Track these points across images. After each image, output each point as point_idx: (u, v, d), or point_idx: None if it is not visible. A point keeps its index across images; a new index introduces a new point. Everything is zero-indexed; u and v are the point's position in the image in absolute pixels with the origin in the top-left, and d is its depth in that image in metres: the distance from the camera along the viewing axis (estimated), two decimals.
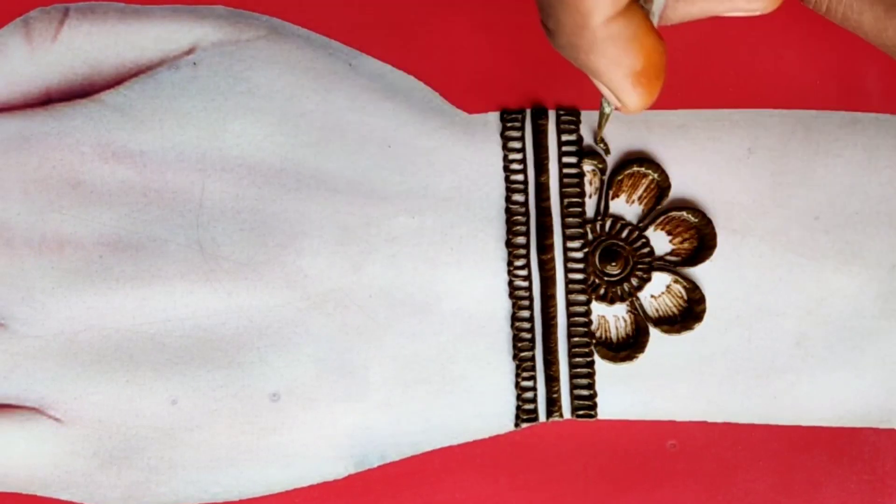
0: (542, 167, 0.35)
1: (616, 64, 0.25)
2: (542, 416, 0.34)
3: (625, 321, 0.35)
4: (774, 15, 0.29)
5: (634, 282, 0.35)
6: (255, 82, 0.34)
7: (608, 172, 0.35)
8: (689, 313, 0.35)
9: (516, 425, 0.34)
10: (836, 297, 0.35)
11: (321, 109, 0.34)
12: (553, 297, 0.34)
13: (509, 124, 0.35)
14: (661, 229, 0.35)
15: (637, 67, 0.25)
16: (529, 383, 0.34)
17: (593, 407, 0.34)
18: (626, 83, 0.26)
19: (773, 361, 0.34)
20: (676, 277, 0.35)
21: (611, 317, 0.35)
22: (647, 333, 0.34)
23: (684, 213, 0.35)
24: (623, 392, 0.34)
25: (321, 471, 0.34)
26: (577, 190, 0.35)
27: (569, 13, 0.24)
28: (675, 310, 0.35)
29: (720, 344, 0.34)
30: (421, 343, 0.34)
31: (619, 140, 0.35)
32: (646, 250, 0.35)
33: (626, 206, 0.35)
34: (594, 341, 0.34)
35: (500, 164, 0.35)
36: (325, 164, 0.34)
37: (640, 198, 0.35)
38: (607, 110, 0.31)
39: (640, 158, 0.35)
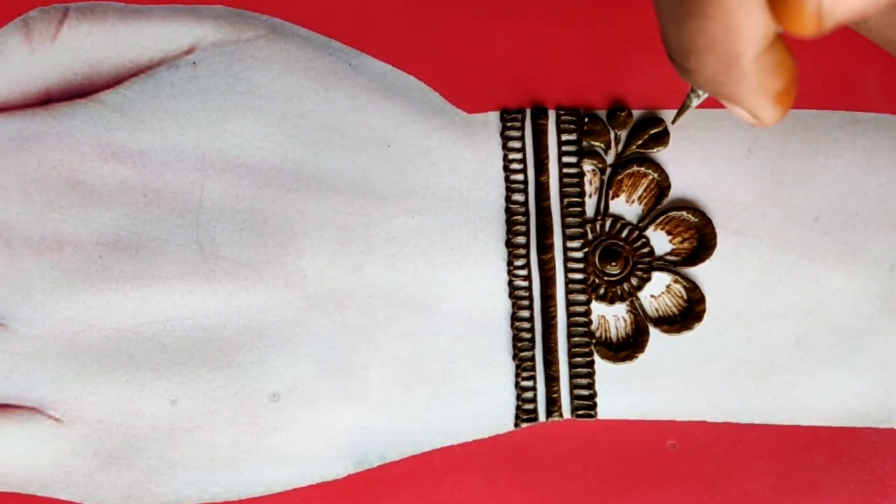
0: (542, 167, 0.35)
1: (762, 90, 0.25)
2: (541, 416, 0.34)
3: (625, 321, 0.35)
4: None
5: (634, 282, 0.35)
6: (254, 82, 0.34)
7: (608, 172, 0.35)
8: (688, 313, 0.35)
9: (516, 425, 0.34)
10: (835, 297, 0.35)
11: (321, 109, 0.34)
12: (553, 296, 0.34)
13: (509, 124, 0.35)
14: (661, 229, 0.35)
15: (780, 89, 0.25)
16: (529, 383, 0.34)
17: (593, 407, 0.34)
18: (767, 104, 0.25)
19: (773, 361, 0.34)
20: (676, 277, 0.35)
21: (611, 317, 0.35)
22: (646, 333, 0.34)
23: (684, 213, 0.35)
24: (623, 392, 0.34)
25: (321, 471, 0.34)
26: (577, 190, 0.35)
27: (716, 55, 0.23)
28: (674, 310, 0.35)
29: (720, 344, 0.34)
30: (421, 343, 0.34)
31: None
32: (646, 250, 0.35)
33: (626, 206, 0.35)
34: (594, 341, 0.34)
35: (500, 163, 0.35)
36: (325, 164, 0.34)
37: (640, 198, 0.35)
38: (694, 104, 0.31)
39: (639, 158, 0.35)
